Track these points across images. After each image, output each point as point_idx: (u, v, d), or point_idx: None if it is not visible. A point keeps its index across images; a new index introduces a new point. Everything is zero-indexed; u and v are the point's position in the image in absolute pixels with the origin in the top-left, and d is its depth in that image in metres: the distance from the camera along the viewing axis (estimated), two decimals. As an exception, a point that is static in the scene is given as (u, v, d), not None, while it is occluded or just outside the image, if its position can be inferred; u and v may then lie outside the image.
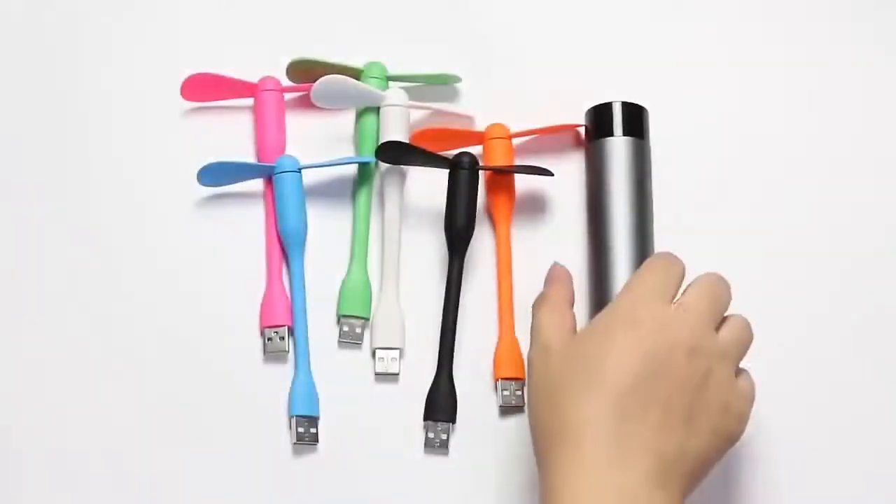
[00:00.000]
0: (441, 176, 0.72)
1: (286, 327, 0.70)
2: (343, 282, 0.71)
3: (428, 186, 0.74)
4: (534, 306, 0.64)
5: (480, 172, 0.72)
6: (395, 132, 0.72)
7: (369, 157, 0.73)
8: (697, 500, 0.65)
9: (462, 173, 0.70)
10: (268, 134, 0.74)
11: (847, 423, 0.69)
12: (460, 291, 0.69)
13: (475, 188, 0.70)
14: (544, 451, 0.56)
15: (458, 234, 0.70)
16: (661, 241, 0.73)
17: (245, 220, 0.73)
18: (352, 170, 0.74)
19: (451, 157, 0.70)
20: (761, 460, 0.67)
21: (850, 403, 0.69)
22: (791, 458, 0.68)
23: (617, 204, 0.68)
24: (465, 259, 0.70)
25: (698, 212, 0.74)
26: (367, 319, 0.70)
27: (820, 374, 0.70)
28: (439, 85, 0.77)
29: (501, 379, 0.69)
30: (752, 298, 0.71)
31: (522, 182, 0.74)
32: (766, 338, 0.69)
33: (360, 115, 0.75)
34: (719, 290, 0.61)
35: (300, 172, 0.72)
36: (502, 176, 0.73)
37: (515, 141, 0.74)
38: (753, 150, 0.76)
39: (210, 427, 0.69)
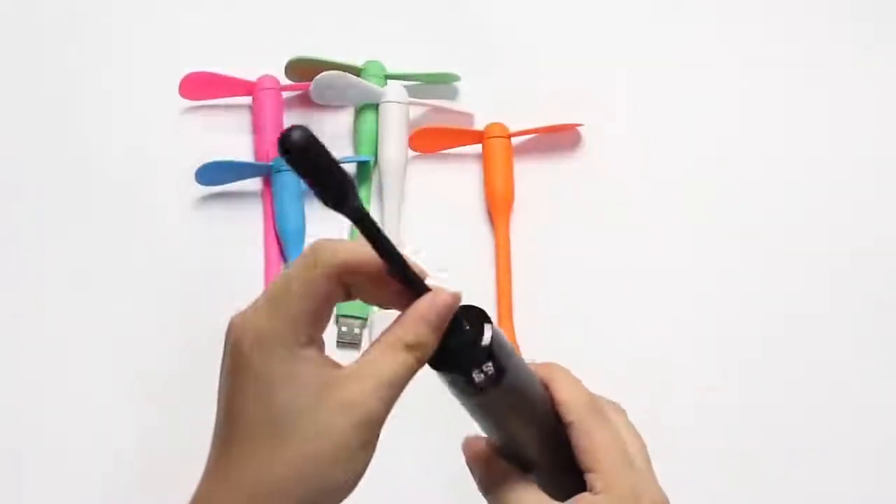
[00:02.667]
0: (440, 175, 0.72)
1: (285, 327, 0.69)
2: (342, 281, 0.71)
3: (427, 185, 0.74)
4: None
5: (480, 171, 0.72)
6: (395, 129, 0.73)
7: (368, 156, 0.73)
8: (700, 499, 0.65)
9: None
10: (266, 133, 0.74)
11: (847, 423, 0.68)
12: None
13: None
14: None
15: None
16: (661, 239, 0.73)
17: (243, 220, 0.73)
18: (350, 169, 0.74)
19: None
20: (759, 460, 0.67)
21: (849, 403, 0.69)
22: (790, 457, 0.68)
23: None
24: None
25: (698, 209, 0.74)
26: (365, 320, 0.70)
27: (818, 374, 0.70)
28: (438, 84, 0.77)
29: (500, 378, 0.68)
30: (750, 296, 0.72)
31: (522, 182, 0.74)
32: (763, 336, 0.70)
33: (358, 113, 0.75)
34: None
35: (299, 171, 0.72)
36: (502, 176, 0.73)
37: (515, 140, 0.74)
38: (753, 149, 0.76)
39: (209, 427, 0.69)
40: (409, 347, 0.41)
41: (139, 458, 0.67)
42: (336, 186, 0.37)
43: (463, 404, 0.44)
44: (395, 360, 0.41)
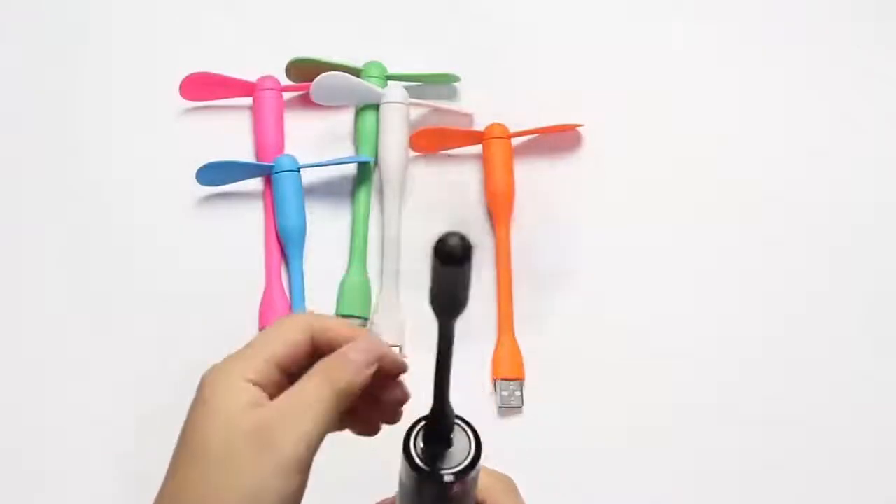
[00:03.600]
0: (440, 175, 0.72)
1: (285, 327, 0.69)
2: (342, 281, 0.71)
3: (428, 184, 0.74)
4: None
5: (480, 171, 0.71)
6: (395, 130, 0.73)
7: (368, 156, 0.73)
8: (700, 498, 0.65)
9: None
10: (267, 133, 0.74)
11: (847, 423, 0.68)
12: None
13: None
14: None
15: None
16: (661, 239, 0.73)
17: (244, 220, 0.73)
18: (351, 169, 0.74)
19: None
20: (759, 459, 0.67)
21: (849, 403, 0.69)
22: (790, 457, 0.68)
23: None
24: None
25: (698, 209, 0.74)
26: (366, 319, 0.70)
27: (818, 374, 0.70)
28: (439, 84, 0.77)
29: (500, 379, 0.68)
30: (752, 296, 0.72)
31: (522, 182, 0.74)
32: (764, 336, 0.69)
33: (359, 113, 0.75)
34: None
35: (299, 172, 0.72)
36: (502, 176, 0.73)
37: (515, 140, 0.74)
38: (753, 149, 0.76)
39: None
40: (334, 386, 0.43)
41: (139, 458, 0.67)
42: (459, 301, 0.37)
43: (406, 490, 0.45)
44: (319, 399, 0.43)
